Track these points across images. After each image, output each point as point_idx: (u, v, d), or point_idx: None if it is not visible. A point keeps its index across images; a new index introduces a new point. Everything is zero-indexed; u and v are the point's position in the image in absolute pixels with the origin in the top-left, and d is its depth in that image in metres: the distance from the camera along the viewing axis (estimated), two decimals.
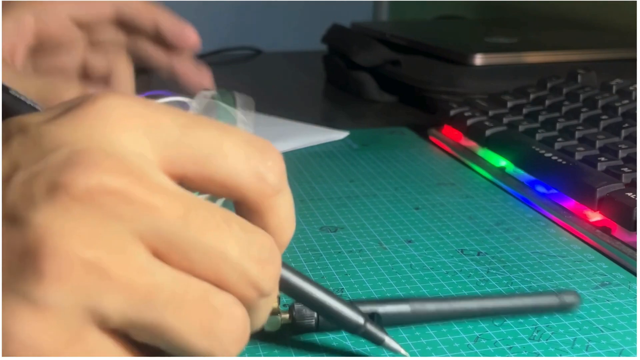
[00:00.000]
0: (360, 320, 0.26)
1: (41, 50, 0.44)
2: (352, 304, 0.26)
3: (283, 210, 0.23)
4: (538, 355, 0.29)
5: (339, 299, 0.26)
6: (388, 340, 0.26)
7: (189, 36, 0.47)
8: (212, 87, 0.47)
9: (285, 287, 0.24)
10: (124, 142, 0.20)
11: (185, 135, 0.21)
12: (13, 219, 0.19)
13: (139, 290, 0.19)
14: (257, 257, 0.21)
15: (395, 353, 0.27)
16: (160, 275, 0.20)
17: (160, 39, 0.46)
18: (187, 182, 0.21)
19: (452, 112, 0.59)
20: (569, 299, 0.28)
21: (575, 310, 0.26)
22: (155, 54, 0.47)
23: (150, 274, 0.19)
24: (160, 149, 0.21)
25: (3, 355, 0.18)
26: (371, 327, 0.26)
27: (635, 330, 0.31)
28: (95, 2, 0.44)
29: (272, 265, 0.22)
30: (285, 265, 0.24)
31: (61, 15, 0.43)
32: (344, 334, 0.31)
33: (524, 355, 0.29)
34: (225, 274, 0.20)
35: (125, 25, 0.46)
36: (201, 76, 0.48)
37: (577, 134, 0.49)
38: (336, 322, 0.26)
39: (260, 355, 0.29)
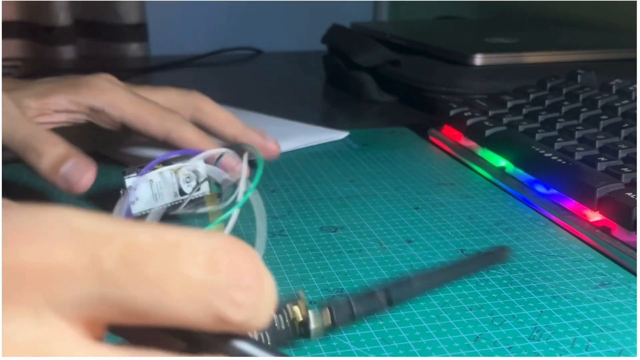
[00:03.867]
0: None
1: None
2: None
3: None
4: (538, 355, 0.29)
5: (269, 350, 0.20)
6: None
7: (273, 149, 0.49)
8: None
9: None
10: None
11: (108, 286, 0.16)
12: None
13: None
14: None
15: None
16: None
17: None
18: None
19: (452, 112, 0.59)
20: (501, 253, 0.26)
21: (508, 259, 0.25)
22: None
23: None
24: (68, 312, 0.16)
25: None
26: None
27: (635, 330, 0.31)
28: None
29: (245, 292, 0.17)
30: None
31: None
32: (344, 333, 0.31)
33: (523, 355, 0.29)
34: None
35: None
36: (267, 143, 0.49)
37: (577, 134, 0.49)
38: None
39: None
